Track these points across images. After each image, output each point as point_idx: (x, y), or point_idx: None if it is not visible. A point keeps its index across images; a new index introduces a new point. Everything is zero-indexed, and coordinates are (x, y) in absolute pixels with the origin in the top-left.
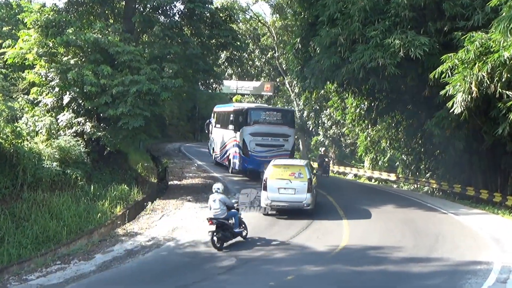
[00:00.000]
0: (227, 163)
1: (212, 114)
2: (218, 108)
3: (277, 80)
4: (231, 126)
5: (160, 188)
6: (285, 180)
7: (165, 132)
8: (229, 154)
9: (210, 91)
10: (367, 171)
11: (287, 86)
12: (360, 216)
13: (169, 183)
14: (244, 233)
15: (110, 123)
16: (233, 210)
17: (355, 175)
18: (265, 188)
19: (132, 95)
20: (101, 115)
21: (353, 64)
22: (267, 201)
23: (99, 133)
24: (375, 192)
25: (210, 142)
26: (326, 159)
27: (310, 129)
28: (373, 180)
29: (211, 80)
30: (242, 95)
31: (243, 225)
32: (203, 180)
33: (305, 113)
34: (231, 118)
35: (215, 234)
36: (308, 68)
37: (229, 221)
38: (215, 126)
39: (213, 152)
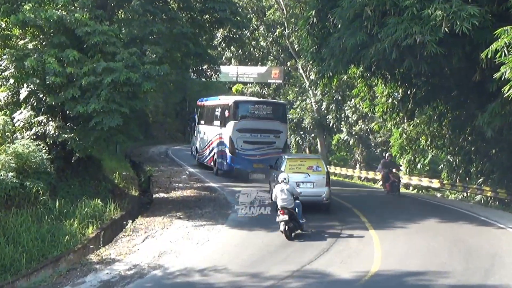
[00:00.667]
0: (212, 163)
1: (196, 109)
2: (203, 102)
3: (288, 64)
4: (216, 122)
5: (143, 202)
6: (303, 173)
7: (148, 132)
8: (214, 153)
9: (203, 79)
10: (403, 177)
11: (300, 71)
12: (395, 233)
13: (154, 196)
14: (303, 225)
15: (79, 122)
16: (297, 201)
17: None
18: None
19: (106, 87)
20: (68, 112)
21: (384, 42)
22: None
23: (66, 136)
24: (413, 202)
25: (193, 140)
26: (394, 170)
27: (331, 125)
28: (410, 188)
29: (205, 66)
30: (244, 83)
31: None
32: (197, 192)
33: (324, 105)
34: (216, 113)
35: (287, 224)
36: (326, 48)
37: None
38: (199, 123)
39: (196, 153)
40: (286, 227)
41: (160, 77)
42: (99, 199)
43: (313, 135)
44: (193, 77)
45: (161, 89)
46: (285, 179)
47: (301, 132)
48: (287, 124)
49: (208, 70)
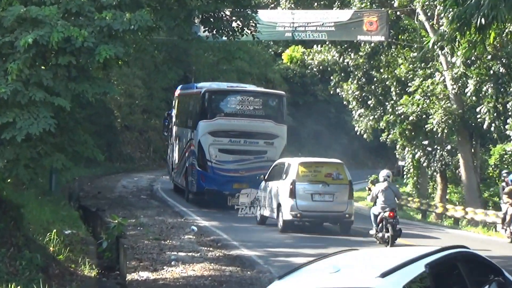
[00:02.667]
0: (184, 185)
1: (174, 102)
2: (179, 91)
3: (395, 3)
4: (190, 122)
5: None
6: (320, 182)
7: (114, 149)
8: (186, 169)
9: (226, 38)
10: None
11: (421, 17)
12: None
13: (129, 278)
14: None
15: None
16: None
17: None
18: (292, 195)
19: (22, 55)
20: None
21: None
22: (295, 211)
23: None
24: None
25: (169, 150)
26: None
27: (485, 126)
28: None
29: (227, 12)
30: (308, 45)
31: None
32: (215, 268)
33: (471, 86)
34: (190, 109)
35: (394, 228)
36: None
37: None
38: (175, 123)
39: (172, 170)
40: (390, 234)
41: (136, 36)
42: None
43: (449, 146)
44: (204, 35)
45: (139, 61)
46: (388, 176)
47: (425, 142)
48: (285, 126)
49: (234, 20)
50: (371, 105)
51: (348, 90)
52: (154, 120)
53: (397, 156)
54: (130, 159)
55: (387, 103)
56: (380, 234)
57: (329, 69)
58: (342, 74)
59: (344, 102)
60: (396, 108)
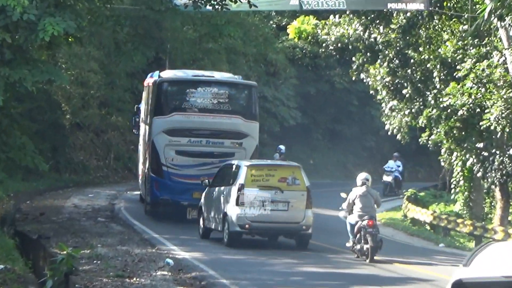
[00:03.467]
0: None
1: (143, 93)
2: (148, 80)
3: None
4: (148, 119)
5: None
6: (272, 189)
7: (63, 152)
8: (145, 176)
9: (211, 8)
10: None
11: None
12: None
13: None
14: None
15: None
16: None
17: None
18: (239, 202)
19: None
20: None
21: None
22: (244, 221)
23: None
24: None
25: (138, 155)
26: None
27: None
28: None
29: None
30: (319, 14)
31: None
32: None
33: None
34: (149, 102)
35: (374, 239)
36: None
37: None
38: (142, 120)
39: (139, 175)
40: (370, 245)
41: (91, 5)
42: None
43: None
44: (181, 2)
45: (96, 38)
46: (367, 180)
47: (479, 145)
48: (257, 123)
49: None
50: (407, 96)
51: (376, 75)
52: (115, 117)
53: (442, 163)
54: (83, 169)
55: (428, 93)
56: (358, 246)
57: (350, 47)
58: (368, 54)
59: (371, 92)
60: (441, 100)
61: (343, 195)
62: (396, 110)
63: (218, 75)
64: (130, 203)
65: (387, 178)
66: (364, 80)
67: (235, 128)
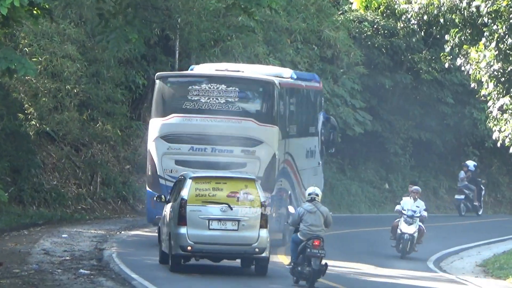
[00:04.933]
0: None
1: None
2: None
3: None
4: None
5: None
6: (220, 204)
7: (28, 174)
8: None
9: None
10: None
11: None
12: None
13: None
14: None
15: None
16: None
17: None
18: (182, 221)
19: None
20: None
21: None
22: (186, 242)
23: None
24: None
25: None
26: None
27: None
28: None
29: None
30: None
31: None
32: None
33: None
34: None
35: (317, 264)
36: None
37: None
38: None
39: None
40: (313, 268)
41: None
42: None
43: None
44: None
45: (73, 11)
46: (317, 195)
47: None
48: (276, 127)
49: None
50: None
51: (480, 60)
52: (102, 124)
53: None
54: (57, 198)
55: None
56: (299, 268)
57: (442, 20)
58: (468, 30)
59: (472, 85)
60: None
61: (290, 209)
62: (509, 111)
63: (261, 69)
64: (125, 247)
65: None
66: (463, 68)
67: (247, 133)
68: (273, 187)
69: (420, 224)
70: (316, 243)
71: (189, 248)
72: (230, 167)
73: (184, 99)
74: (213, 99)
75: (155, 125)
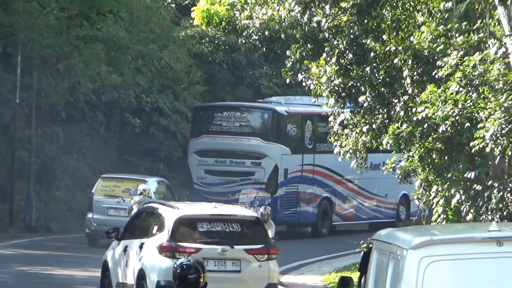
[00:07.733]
0: None
1: None
2: None
3: None
4: None
5: None
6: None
7: None
8: None
9: None
10: None
11: None
12: None
13: None
14: None
15: None
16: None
17: None
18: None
19: None
20: None
21: None
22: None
23: None
24: None
25: None
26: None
27: None
28: None
29: None
30: None
31: None
32: None
33: None
34: None
35: None
36: None
37: None
38: None
39: None
40: None
41: None
42: None
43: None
44: None
45: None
46: (144, 190)
47: (469, 175)
48: (277, 144)
49: None
50: (365, 105)
51: (320, 75)
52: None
53: (416, 201)
54: None
55: (395, 101)
56: None
57: (283, 36)
58: (309, 45)
59: (313, 100)
60: (414, 110)
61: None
62: (350, 126)
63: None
64: None
65: None
66: (304, 83)
67: (254, 149)
68: (276, 190)
69: None
70: None
71: None
72: (242, 175)
73: (211, 124)
74: (231, 123)
75: (191, 144)
